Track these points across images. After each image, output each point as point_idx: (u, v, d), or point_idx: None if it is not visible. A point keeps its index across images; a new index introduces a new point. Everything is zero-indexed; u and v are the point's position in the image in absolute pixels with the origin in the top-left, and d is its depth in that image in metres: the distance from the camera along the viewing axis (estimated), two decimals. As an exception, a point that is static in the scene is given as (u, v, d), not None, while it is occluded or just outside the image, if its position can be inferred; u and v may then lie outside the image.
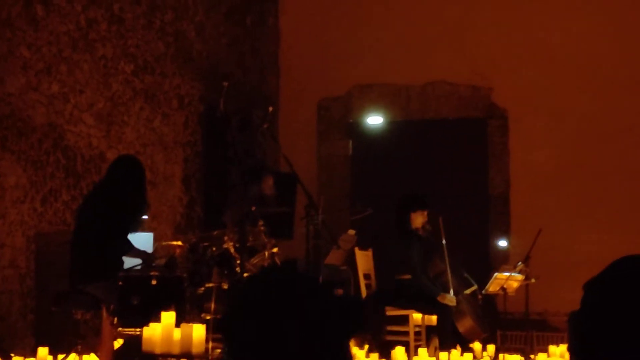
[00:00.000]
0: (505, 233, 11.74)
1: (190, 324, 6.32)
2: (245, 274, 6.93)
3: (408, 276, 9.16)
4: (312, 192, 10.27)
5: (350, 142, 12.74)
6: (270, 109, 8.36)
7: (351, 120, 12.73)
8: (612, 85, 11.55)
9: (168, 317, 6.19)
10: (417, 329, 9.11)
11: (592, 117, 11.57)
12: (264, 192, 8.95)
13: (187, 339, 6.23)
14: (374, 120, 12.56)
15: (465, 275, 9.36)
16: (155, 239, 9.08)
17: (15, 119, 8.15)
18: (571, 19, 11.77)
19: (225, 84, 7.02)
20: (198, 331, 6.30)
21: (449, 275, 9.13)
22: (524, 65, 11.87)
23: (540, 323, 11.02)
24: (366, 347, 8.46)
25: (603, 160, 11.53)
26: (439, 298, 9.03)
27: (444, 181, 12.04)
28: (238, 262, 7.01)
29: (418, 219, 9.29)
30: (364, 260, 9.62)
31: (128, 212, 7.39)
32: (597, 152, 11.56)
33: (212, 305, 7.00)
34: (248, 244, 7.18)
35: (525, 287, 9.43)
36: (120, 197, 7.36)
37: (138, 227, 7.57)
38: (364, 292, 9.42)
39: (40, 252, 8.42)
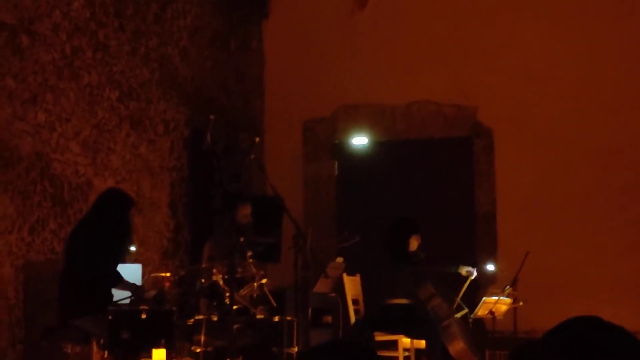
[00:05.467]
0: (492, 253, 11.74)
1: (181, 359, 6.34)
2: (235, 306, 6.94)
3: (399, 300, 9.15)
4: (298, 214, 10.30)
5: (336, 163, 12.72)
6: (257, 139, 8.35)
7: (336, 141, 12.70)
8: (599, 104, 11.57)
9: (159, 354, 6.19)
10: (406, 354, 9.11)
11: (579, 135, 11.58)
12: (239, 220, 8.87)
13: (178, 374, 6.24)
14: (359, 140, 12.53)
15: (456, 298, 9.36)
16: (144, 266, 9.09)
17: (2, 149, 8.14)
18: (557, 37, 11.78)
19: (212, 117, 7.01)
20: (189, 366, 6.32)
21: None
22: (509, 83, 11.88)
23: (528, 342, 11.02)
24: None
25: (589, 179, 11.53)
26: (460, 270, 9.14)
27: (430, 201, 12.03)
28: (227, 294, 7.03)
29: (414, 243, 9.30)
30: (352, 286, 9.63)
31: (115, 244, 7.40)
32: (584, 170, 11.56)
33: (202, 338, 7.01)
34: (237, 276, 7.18)
35: (513, 309, 9.49)
36: (106, 230, 7.37)
37: (125, 258, 7.59)
38: (352, 318, 9.42)
39: (28, 281, 8.40)
